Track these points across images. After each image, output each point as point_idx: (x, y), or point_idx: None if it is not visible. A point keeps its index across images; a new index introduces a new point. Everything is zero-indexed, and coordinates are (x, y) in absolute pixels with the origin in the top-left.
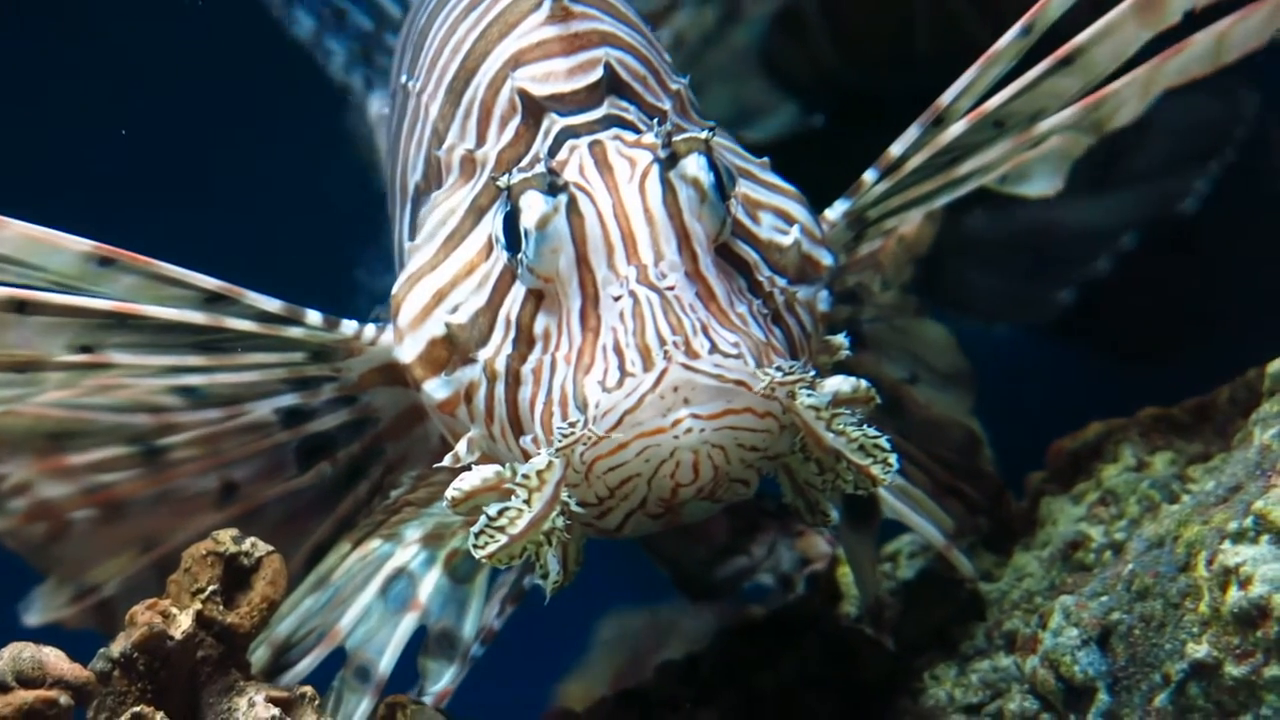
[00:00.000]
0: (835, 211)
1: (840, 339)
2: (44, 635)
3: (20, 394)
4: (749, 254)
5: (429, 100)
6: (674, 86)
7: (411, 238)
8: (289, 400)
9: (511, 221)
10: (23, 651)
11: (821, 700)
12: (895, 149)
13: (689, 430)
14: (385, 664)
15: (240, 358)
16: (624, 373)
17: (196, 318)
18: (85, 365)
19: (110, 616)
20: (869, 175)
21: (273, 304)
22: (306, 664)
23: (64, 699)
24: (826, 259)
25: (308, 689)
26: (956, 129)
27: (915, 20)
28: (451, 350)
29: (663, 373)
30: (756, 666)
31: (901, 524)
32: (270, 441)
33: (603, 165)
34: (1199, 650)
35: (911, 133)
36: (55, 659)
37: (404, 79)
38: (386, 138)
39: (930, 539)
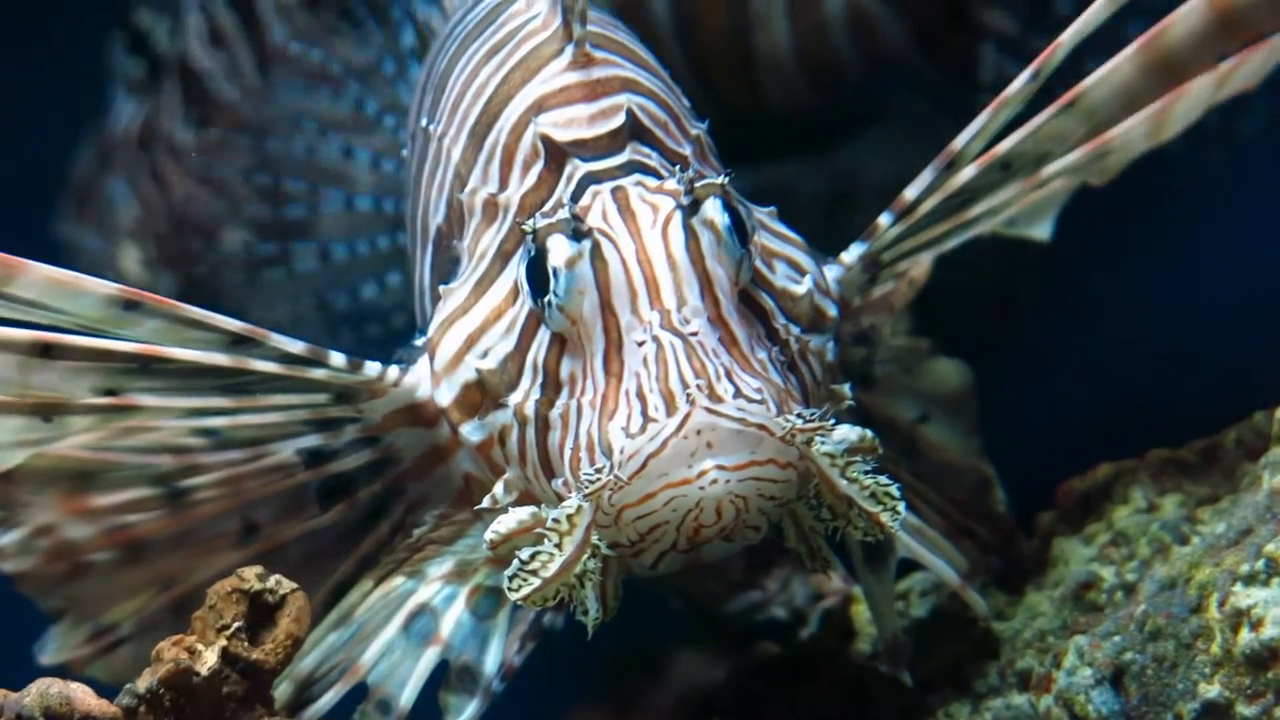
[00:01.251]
0: (851, 255)
1: (845, 389)
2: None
3: (45, 437)
4: (767, 301)
5: (451, 144)
6: (693, 131)
7: (434, 279)
8: (312, 441)
9: (536, 266)
10: (50, 687)
11: None
12: (909, 193)
13: (714, 481)
14: (406, 698)
15: (264, 399)
16: (647, 418)
17: (221, 360)
18: (110, 408)
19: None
20: (884, 219)
21: (296, 345)
22: (329, 699)
23: None
24: (832, 310)
25: None
26: (968, 173)
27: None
28: (483, 394)
29: (686, 416)
30: (771, 702)
31: (912, 562)
32: (292, 482)
33: (625, 211)
34: (1211, 690)
35: (925, 176)
36: (82, 694)
37: (424, 122)
38: (405, 179)
39: (945, 578)
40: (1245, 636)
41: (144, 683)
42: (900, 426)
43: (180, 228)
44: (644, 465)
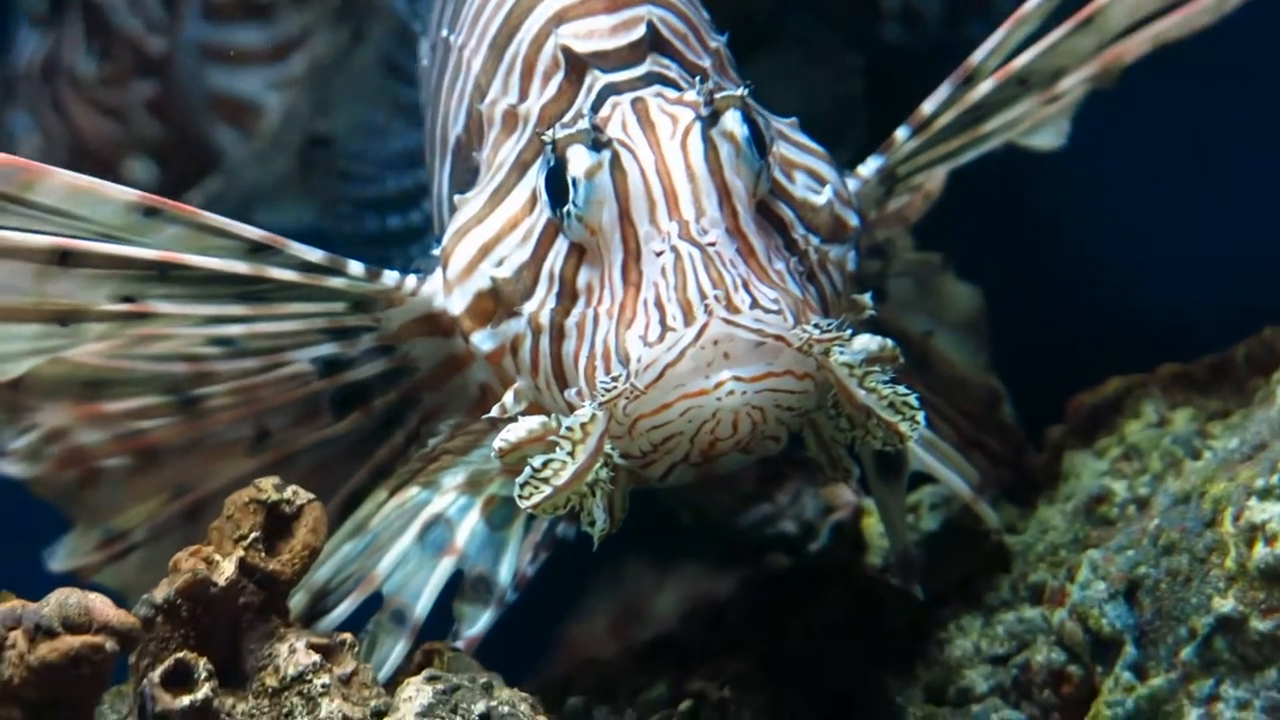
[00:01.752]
0: (868, 168)
1: (866, 298)
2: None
3: (61, 344)
4: (785, 212)
5: (471, 55)
6: (713, 45)
7: (451, 188)
8: (327, 350)
9: (555, 176)
10: (69, 597)
11: (849, 649)
12: (927, 107)
13: (731, 392)
14: (421, 608)
15: (281, 307)
16: (665, 327)
17: (240, 267)
18: (128, 315)
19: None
20: (901, 133)
21: (315, 254)
22: (344, 609)
23: (110, 644)
24: (854, 220)
25: (347, 636)
26: (985, 87)
27: None
28: (497, 303)
29: (704, 327)
30: (784, 616)
31: (922, 475)
32: (306, 390)
33: (645, 122)
34: (1225, 605)
35: (943, 91)
36: (101, 604)
37: (445, 33)
38: (425, 89)
39: (957, 490)
40: (1260, 551)
41: (161, 593)
42: (912, 339)
43: (81, 158)
44: (661, 375)
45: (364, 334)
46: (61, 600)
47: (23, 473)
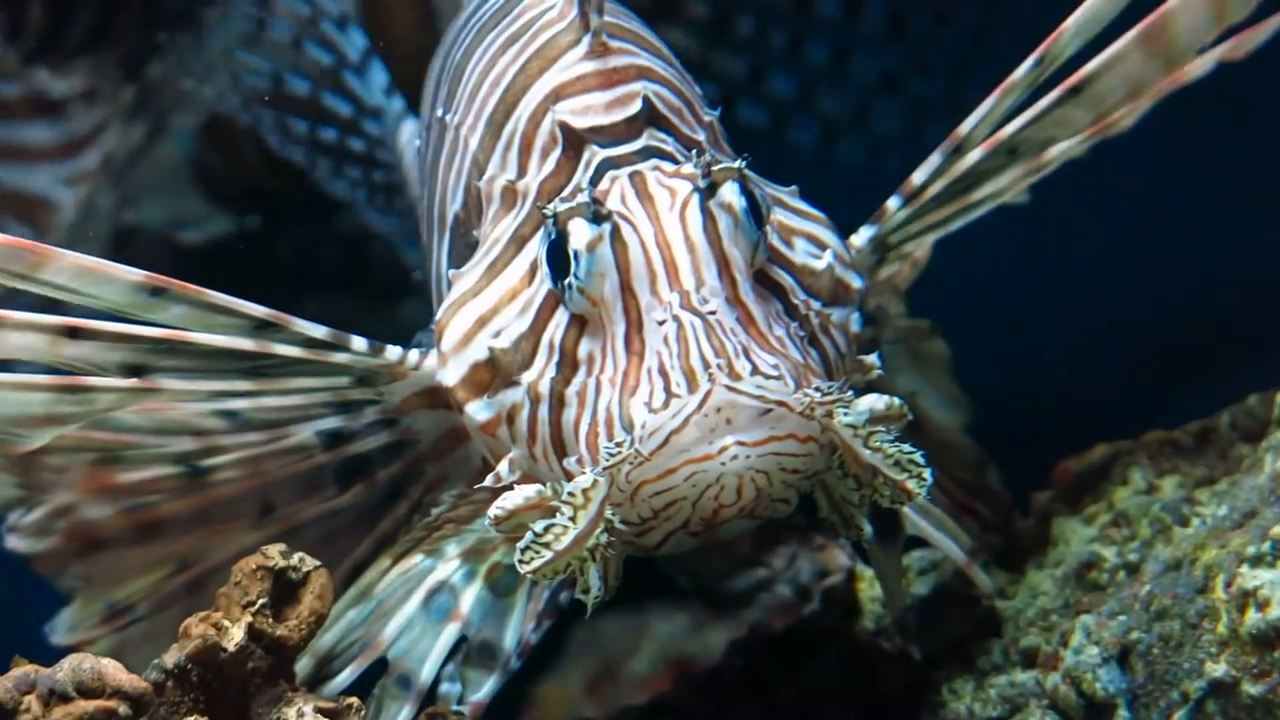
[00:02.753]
0: (861, 237)
1: (873, 359)
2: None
3: (73, 413)
4: (784, 278)
5: (468, 133)
6: (706, 119)
7: (450, 265)
8: (331, 423)
9: (557, 249)
10: (83, 663)
11: (842, 713)
12: (917, 176)
13: (735, 457)
14: (426, 673)
15: (286, 382)
16: (669, 394)
17: (245, 344)
18: (135, 390)
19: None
20: (893, 202)
21: (319, 330)
22: (349, 674)
23: (122, 709)
24: (857, 282)
25: (354, 700)
26: (974, 156)
27: None
28: (494, 374)
29: (707, 394)
30: (777, 679)
31: (912, 539)
32: (311, 463)
33: (644, 195)
34: (1217, 669)
35: (933, 160)
36: (114, 670)
37: (440, 112)
38: (418, 168)
39: (952, 555)
40: (1252, 617)
41: (171, 658)
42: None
43: None
44: (666, 441)
45: (367, 407)
46: (75, 665)
47: (30, 548)
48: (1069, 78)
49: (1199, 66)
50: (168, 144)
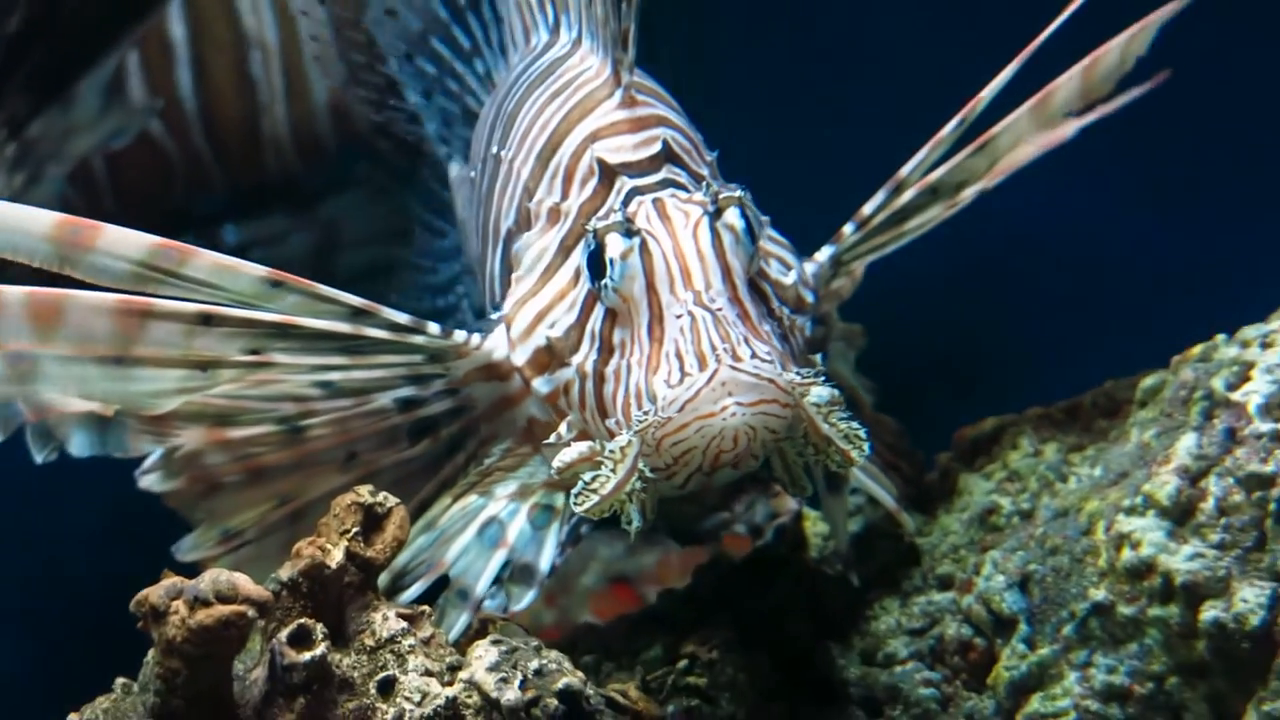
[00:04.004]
0: (823, 255)
1: (818, 359)
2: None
3: (201, 385)
4: (766, 288)
5: (520, 165)
6: (708, 158)
7: (503, 268)
8: (406, 391)
9: (595, 257)
10: (219, 576)
11: (798, 623)
12: (867, 209)
13: (734, 414)
14: (481, 588)
15: (372, 359)
16: (684, 373)
17: (343, 327)
18: (253, 364)
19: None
20: (848, 228)
21: (402, 317)
22: (418, 587)
23: (251, 612)
24: (810, 297)
25: (425, 607)
26: (908, 195)
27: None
28: (551, 357)
29: (714, 372)
30: (743, 597)
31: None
32: (388, 423)
33: (664, 216)
34: (1098, 594)
35: (879, 196)
36: (244, 581)
37: (495, 149)
38: (470, 195)
39: (885, 502)
40: (1127, 554)
41: (285, 572)
42: (845, 389)
43: None
44: (681, 408)
45: (435, 379)
46: (214, 577)
47: (162, 487)
48: (978, 136)
49: (1069, 129)
50: (41, 190)
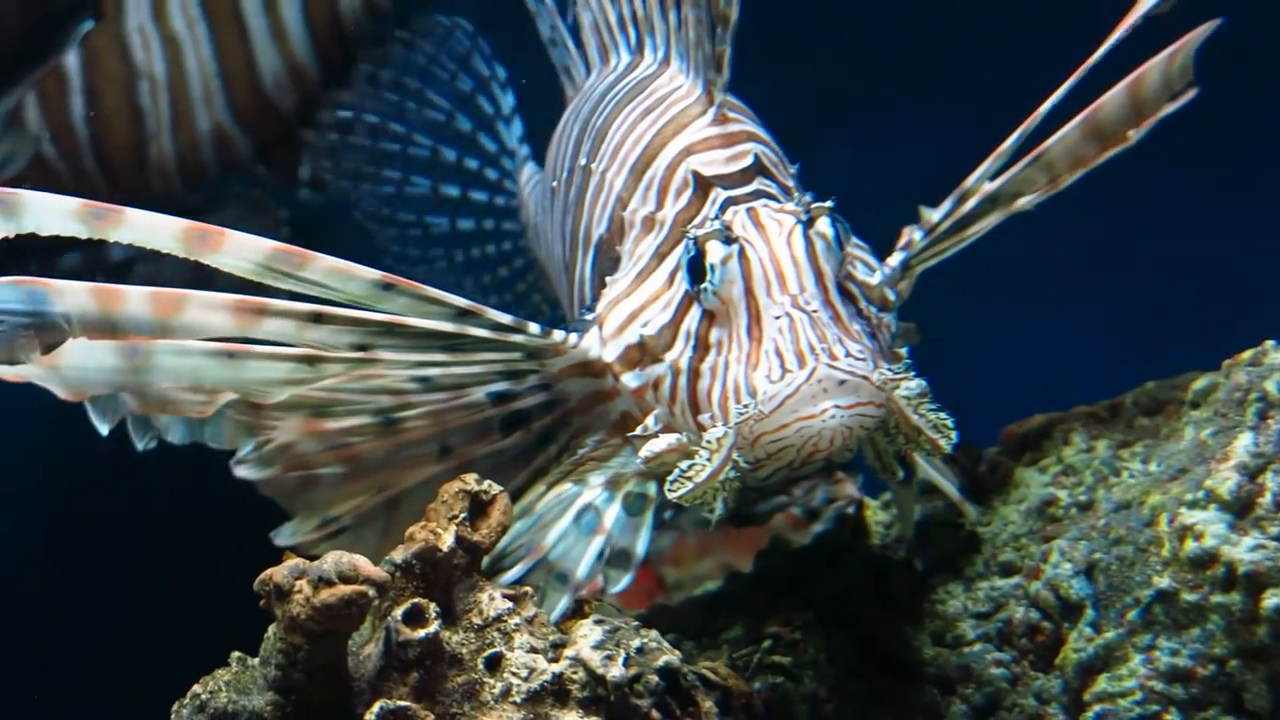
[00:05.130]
0: (895, 260)
1: (904, 352)
2: None
3: (307, 378)
4: (854, 290)
5: (613, 177)
6: (791, 171)
7: (594, 274)
8: (500, 386)
9: (696, 263)
10: (341, 557)
11: (866, 606)
12: (935, 216)
13: (833, 416)
14: (582, 571)
15: (472, 355)
16: (785, 369)
17: (448, 327)
18: (359, 360)
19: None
20: (918, 235)
21: (505, 318)
22: (519, 570)
23: (371, 592)
24: (893, 295)
25: (528, 588)
26: (971, 204)
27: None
28: (643, 353)
29: (813, 370)
30: (812, 579)
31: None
32: (481, 416)
33: (758, 224)
34: (1163, 582)
35: (946, 204)
36: (364, 563)
37: (584, 161)
38: (547, 202)
39: (948, 491)
40: (1190, 545)
41: (399, 555)
42: None
43: None
44: (782, 404)
45: (530, 375)
46: (336, 559)
47: (257, 475)
48: (1034, 148)
49: (1123, 142)
50: None
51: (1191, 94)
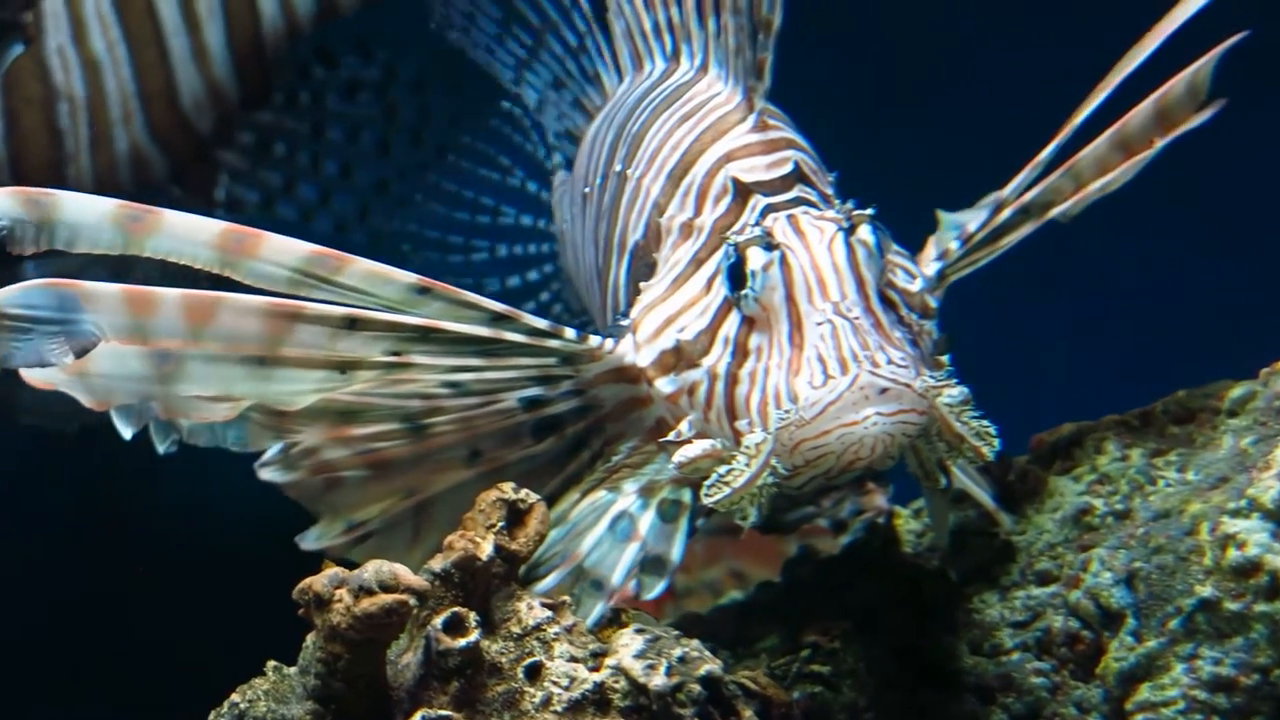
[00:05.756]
0: (932, 270)
1: (945, 359)
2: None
3: (337, 385)
4: (895, 297)
5: (650, 183)
6: (830, 179)
7: (628, 280)
8: (533, 391)
9: (736, 269)
10: (382, 566)
11: (901, 615)
12: (972, 227)
13: (875, 423)
14: (618, 578)
15: (507, 360)
16: (827, 376)
17: (483, 332)
18: (393, 365)
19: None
20: (955, 245)
21: (541, 323)
22: (554, 578)
23: (412, 601)
24: (935, 302)
25: (566, 597)
26: (1006, 214)
27: None
28: (678, 359)
29: (856, 377)
30: (845, 588)
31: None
32: (513, 421)
33: (799, 231)
34: (1205, 590)
35: (983, 215)
36: (404, 572)
37: (619, 168)
38: (585, 210)
39: (984, 501)
40: (1233, 553)
41: (438, 564)
42: None
43: None
44: (824, 410)
45: (564, 380)
46: (377, 568)
47: (281, 479)
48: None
49: (1149, 152)
50: None
51: (1217, 107)
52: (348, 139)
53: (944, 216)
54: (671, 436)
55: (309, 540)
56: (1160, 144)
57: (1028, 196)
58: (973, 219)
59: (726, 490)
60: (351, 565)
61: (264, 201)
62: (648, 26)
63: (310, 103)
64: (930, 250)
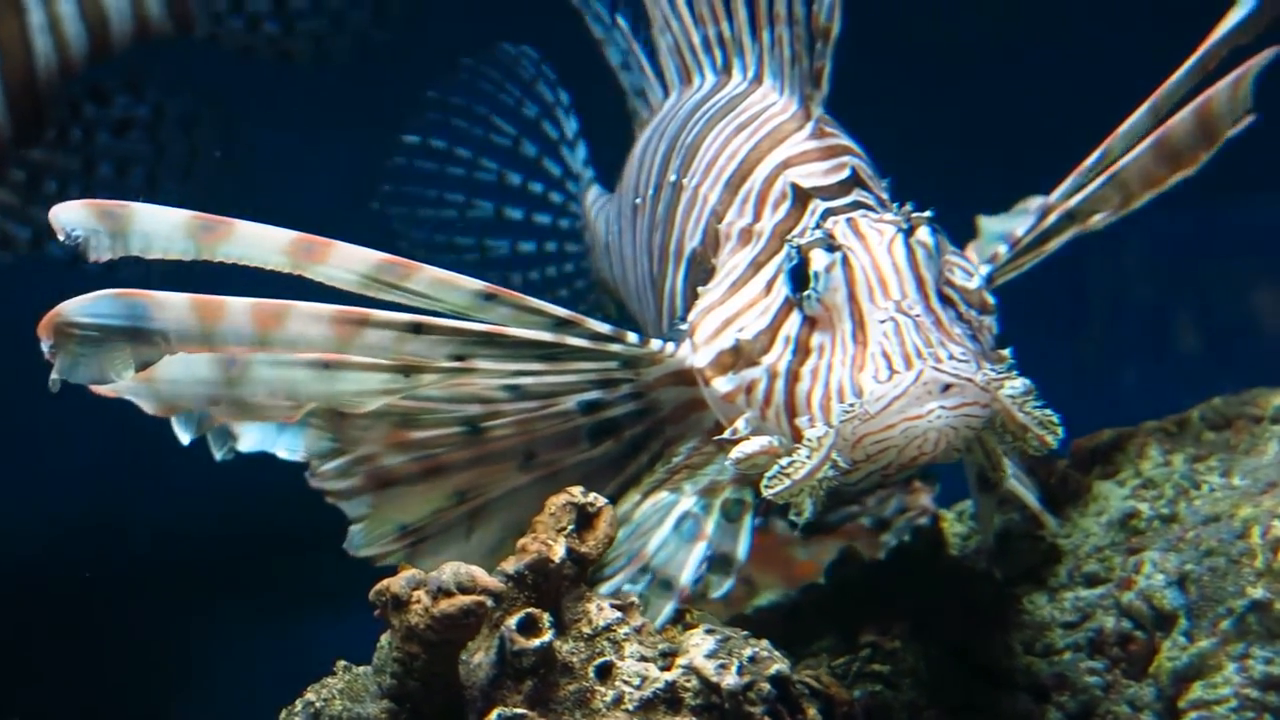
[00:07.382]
0: (983, 272)
1: (1006, 353)
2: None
3: (403, 388)
4: (953, 295)
5: (708, 191)
6: (883, 184)
7: (686, 285)
8: (593, 395)
9: (798, 270)
10: (460, 568)
11: (951, 616)
12: (1020, 231)
13: (939, 417)
14: (685, 578)
15: (568, 364)
16: (892, 371)
17: (546, 336)
18: (456, 369)
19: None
20: (1003, 249)
21: (603, 327)
22: (621, 579)
23: (489, 602)
24: (993, 300)
25: (634, 598)
26: (1051, 219)
27: None
28: (736, 358)
29: (920, 372)
30: (894, 590)
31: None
32: (570, 424)
33: (859, 233)
34: (1256, 592)
35: (1030, 220)
36: (481, 574)
37: (674, 177)
38: (636, 221)
39: (1031, 504)
40: None
41: (512, 566)
42: None
43: None
44: (889, 404)
45: (624, 384)
46: (455, 570)
47: (335, 487)
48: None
49: (1192, 166)
50: None
51: (1250, 119)
52: (118, 175)
53: (984, 222)
54: (728, 434)
55: (356, 544)
56: (1205, 158)
57: (1071, 202)
58: (1018, 224)
59: (787, 482)
60: (379, 571)
61: (34, 239)
62: (697, 41)
63: (82, 140)
64: (973, 255)
